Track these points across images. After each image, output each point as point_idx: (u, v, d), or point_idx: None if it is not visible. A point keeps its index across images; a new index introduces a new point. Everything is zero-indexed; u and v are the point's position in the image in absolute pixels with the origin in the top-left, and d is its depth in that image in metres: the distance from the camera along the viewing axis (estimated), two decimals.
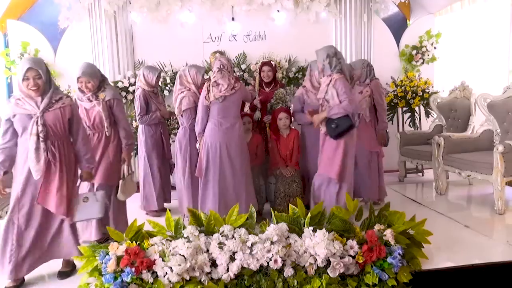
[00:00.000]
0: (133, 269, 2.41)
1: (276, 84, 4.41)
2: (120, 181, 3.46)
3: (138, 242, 2.59)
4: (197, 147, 3.80)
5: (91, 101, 3.33)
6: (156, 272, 2.47)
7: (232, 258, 2.56)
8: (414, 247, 2.78)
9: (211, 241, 2.62)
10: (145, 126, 4.20)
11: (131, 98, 5.22)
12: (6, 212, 2.87)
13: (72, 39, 5.38)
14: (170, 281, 2.43)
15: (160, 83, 5.07)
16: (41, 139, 2.61)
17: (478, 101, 4.55)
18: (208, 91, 3.60)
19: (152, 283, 2.43)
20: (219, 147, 3.58)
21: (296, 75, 5.57)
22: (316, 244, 2.57)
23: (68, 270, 2.90)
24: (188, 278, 2.47)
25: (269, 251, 2.56)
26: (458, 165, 4.49)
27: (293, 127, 4.18)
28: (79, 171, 2.90)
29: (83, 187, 3.18)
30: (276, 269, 2.56)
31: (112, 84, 3.43)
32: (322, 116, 3.40)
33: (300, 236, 2.70)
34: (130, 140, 3.50)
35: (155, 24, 5.40)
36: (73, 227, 2.83)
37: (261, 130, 4.26)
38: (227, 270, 2.54)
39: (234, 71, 4.27)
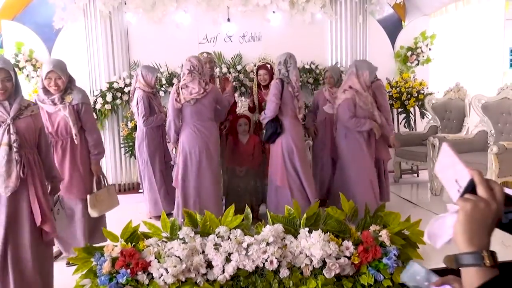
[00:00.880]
0: (129, 270, 2.40)
1: None
2: (89, 196, 3.09)
3: (133, 244, 2.58)
4: (173, 153, 3.81)
5: (55, 104, 2.99)
6: (152, 274, 2.46)
7: (227, 259, 2.55)
8: (409, 247, 2.79)
9: (207, 242, 2.61)
10: (147, 128, 4.12)
11: (126, 99, 5.21)
12: None
13: (67, 40, 5.36)
14: (165, 283, 2.42)
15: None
16: (14, 149, 2.25)
17: (473, 102, 4.58)
18: (178, 93, 3.56)
19: (148, 285, 2.42)
20: (198, 154, 3.56)
21: None
22: (312, 245, 2.57)
23: None
24: (183, 279, 2.46)
25: (264, 252, 2.56)
26: None
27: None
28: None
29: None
30: (271, 270, 2.56)
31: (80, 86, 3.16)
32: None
33: (295, 237, 2.70)
34: (99, 149, 3.19)
35: (150, 24, 5.39)
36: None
37: (259, 131, 4.27)
38: (223, 271, 2.53)
39: (213, 70, 4.23)
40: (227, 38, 5.61)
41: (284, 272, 2.56)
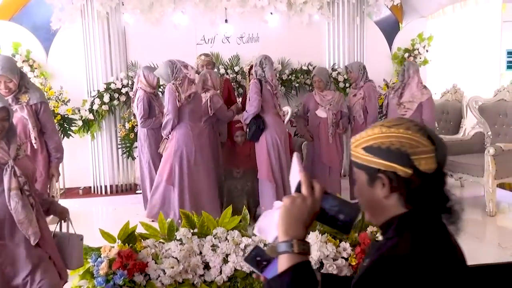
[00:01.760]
0: (126, 271, 2.39)
1: None
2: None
3: (130, 245, 2.57)
4: (160, 151, 3.82)
5: (10, 105, 2.60)
6: (149, 275, 2.45)
7: (225, 260, 2.55)
8: None
9: (204, 244, 2.61)
10: (148, 129, 4.11)
11: (124, 99, 5.20)
12: None
13: (65, 40, 5.34)
14: (163, 284, 2.42)
15: None
16: (26, 193, 1.96)
17: (470, 104, 4.59)
18: (178, 93, 3.61)
19: (145, 286, 2.42)
20: (194, 153, 3.60)
21: (289, 77, 5.58)
22: None
23: None
24: (181, 280, 2.46)
25: None
26: (449, 167, 4.50)
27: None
28: None
29: None
30: None
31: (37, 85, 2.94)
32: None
33: None
34: (60, 153, 2.98)
35: (148, 25, 5.38)
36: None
37: None
38: (220, 272, 2.53)
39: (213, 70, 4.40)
40: (225, 39, 5.61)
41: None
